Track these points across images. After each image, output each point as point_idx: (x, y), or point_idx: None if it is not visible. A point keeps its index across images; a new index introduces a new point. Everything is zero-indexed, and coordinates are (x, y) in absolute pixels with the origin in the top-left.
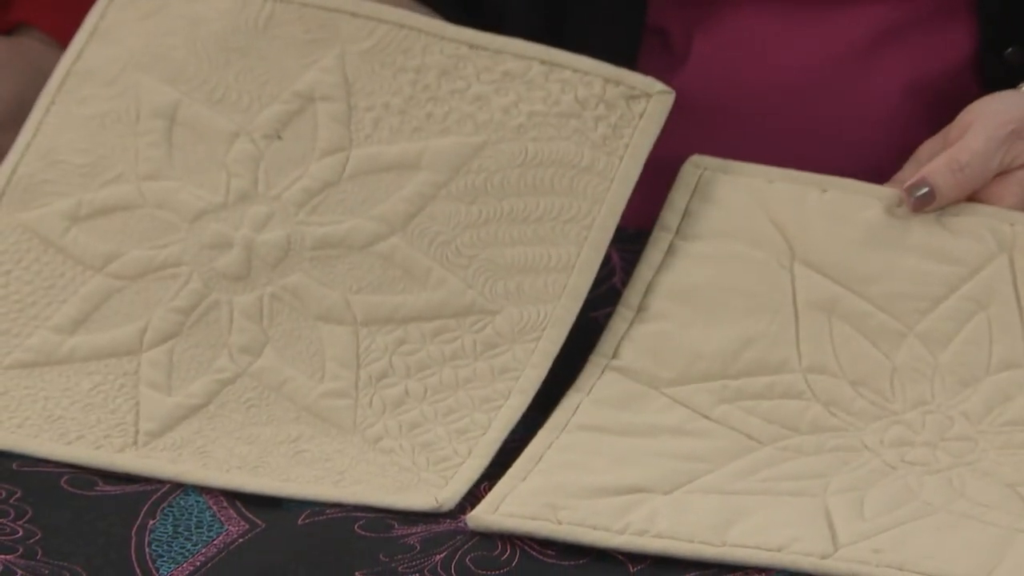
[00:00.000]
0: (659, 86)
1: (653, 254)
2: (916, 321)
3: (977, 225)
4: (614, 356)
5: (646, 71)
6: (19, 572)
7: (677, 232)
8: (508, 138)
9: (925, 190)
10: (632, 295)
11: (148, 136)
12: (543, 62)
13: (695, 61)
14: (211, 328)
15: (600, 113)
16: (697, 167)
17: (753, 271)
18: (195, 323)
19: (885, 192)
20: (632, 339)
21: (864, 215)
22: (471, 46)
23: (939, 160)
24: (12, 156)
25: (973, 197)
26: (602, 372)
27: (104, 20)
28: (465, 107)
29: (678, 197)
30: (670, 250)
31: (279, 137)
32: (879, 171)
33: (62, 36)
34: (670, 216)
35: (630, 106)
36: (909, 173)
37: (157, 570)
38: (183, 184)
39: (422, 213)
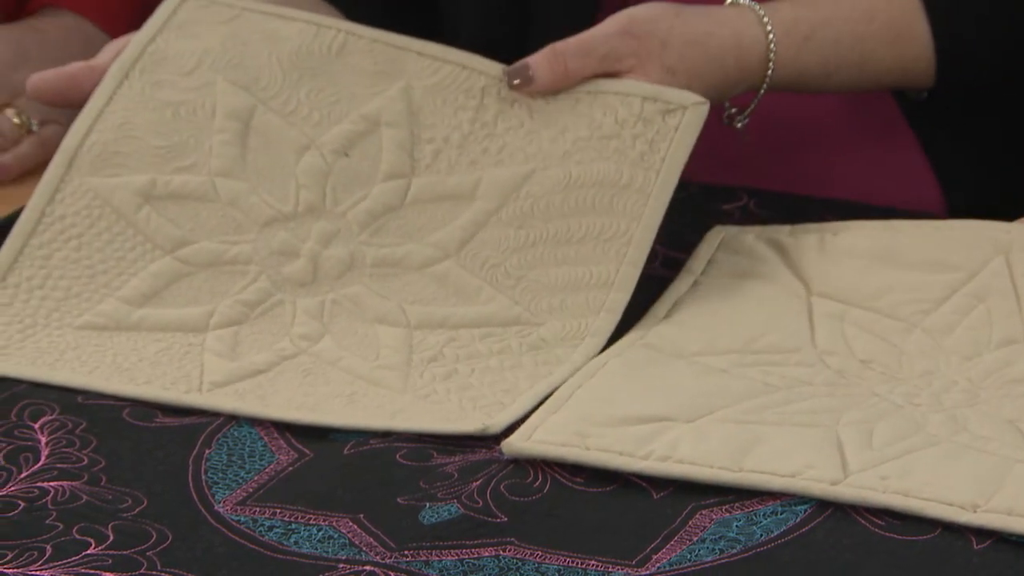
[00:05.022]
0: (694, 98)
1: (677, 290)
2: (920, 320)
3: (975, 237)
4: (642, 339)
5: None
6: (84, 498)
7: (702, 274)
8: (554, 164)
9: (526, 73)
10: (659, 309)
11: (223, 135)
12: (589, 92)
13: None
14: (275, 321)
15: (638, 131)
16: (719, 232)
17: (771, 294)
18: (260, 315)
19: (890, 223)
20: (659, 331)
21: (868, 245)
22: None
23: (544, 48)
24: (84, 120)
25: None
26: (631, 345)
27: (177, 16)
28: (518, 142)
29: (704, 250)
30: (694, 284)
31: (346, 154)
32: None
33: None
34: (696, 264)
35: (666, 120)
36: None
37: (212, 496)
38: (254, 187)
39: (474, 239)
